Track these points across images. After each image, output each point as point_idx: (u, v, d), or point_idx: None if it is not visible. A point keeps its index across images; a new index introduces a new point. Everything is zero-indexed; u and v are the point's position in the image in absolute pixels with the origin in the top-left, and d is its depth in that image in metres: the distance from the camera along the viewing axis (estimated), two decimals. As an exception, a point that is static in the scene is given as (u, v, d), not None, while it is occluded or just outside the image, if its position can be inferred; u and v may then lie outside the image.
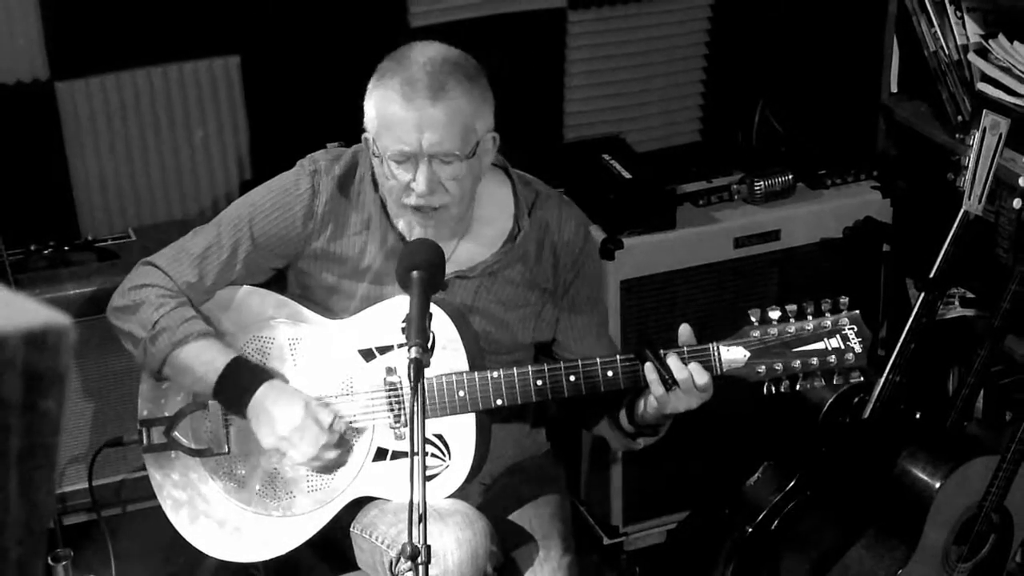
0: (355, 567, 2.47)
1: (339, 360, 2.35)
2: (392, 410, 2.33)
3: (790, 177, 3.24)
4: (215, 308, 2.41)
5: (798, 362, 2.24)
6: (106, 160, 3.08)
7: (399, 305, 2.26)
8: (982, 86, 3.18)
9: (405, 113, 2.21)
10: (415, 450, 1.87)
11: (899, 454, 2.80)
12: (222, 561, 2.45)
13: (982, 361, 2.77)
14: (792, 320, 2.25)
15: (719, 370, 2.24)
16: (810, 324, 2.25)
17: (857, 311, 2.26)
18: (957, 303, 3.11)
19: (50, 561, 2.70)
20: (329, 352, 2.36)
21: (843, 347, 2.24)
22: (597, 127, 3.48)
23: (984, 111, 2.80)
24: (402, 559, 1.84)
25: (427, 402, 2.17)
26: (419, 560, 1.83)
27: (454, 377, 2.27)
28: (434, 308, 2.15)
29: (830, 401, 2.93)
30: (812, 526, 2.96)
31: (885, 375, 2.83)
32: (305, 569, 2.53)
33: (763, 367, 2.24)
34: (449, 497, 2.31)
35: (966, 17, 3.24)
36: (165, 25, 3.03)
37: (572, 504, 2.73)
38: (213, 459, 2.43)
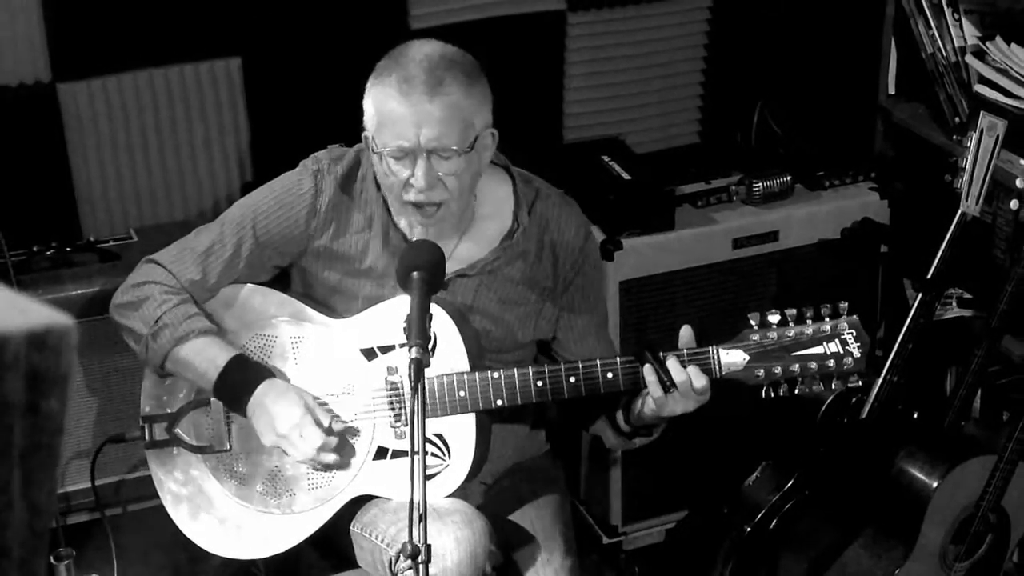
0: (355, 565, 2.47)
1: (341, 359, 2.36)
2: (393, 409, 2.34)
3: (788, 178, 3.24)
4: (218, 306, 2.42)
5: (797, 366, 2.24)
6: (108, 161, 3.09)
7: (401, 305, 2.27)
8: (979, 88, 3.18)
9: (402, 109, 2.22)
10: (415, 449, 1.88)
11: (897, 454, 2.80)
12: (223, 558, 2.46)
13: (979, 361, 2.77)
14: (791, 324, 2.25)
15: (718, 373, 2.24)
16: (809, 328, 2.25)
17: (856, 316, 2.26)
18: (954, 304, 3.11)
19: (52, 560, 2.69)
20: (331, 351, 2.37)
21: (842, 352, 2.25)
22: (596, 128, 3.49)
23: (981, 113, 2.80)
24: (402, 558, 1.84)
25: (427, 402, 2.18)
26: (419, 559, 1.84)
27: (455, 377, 2.28)
28: (435, 308, 2.16)
29: (828, 401, 2.93)
30: (810, 525, 2.95)
31: (883, 375, 2.83)
32: (305, 567, 2.54)
33: (762, 371, 2.24)
34: (449, 496, 2.32)
35: (963, 19, 3.24)
36: (167, 27, 3.03)
37: (572, 504, 2.74)
38: (215, 456, 2.43)
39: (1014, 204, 2.89)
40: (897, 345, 2.83)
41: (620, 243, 3.07)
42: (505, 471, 2.56)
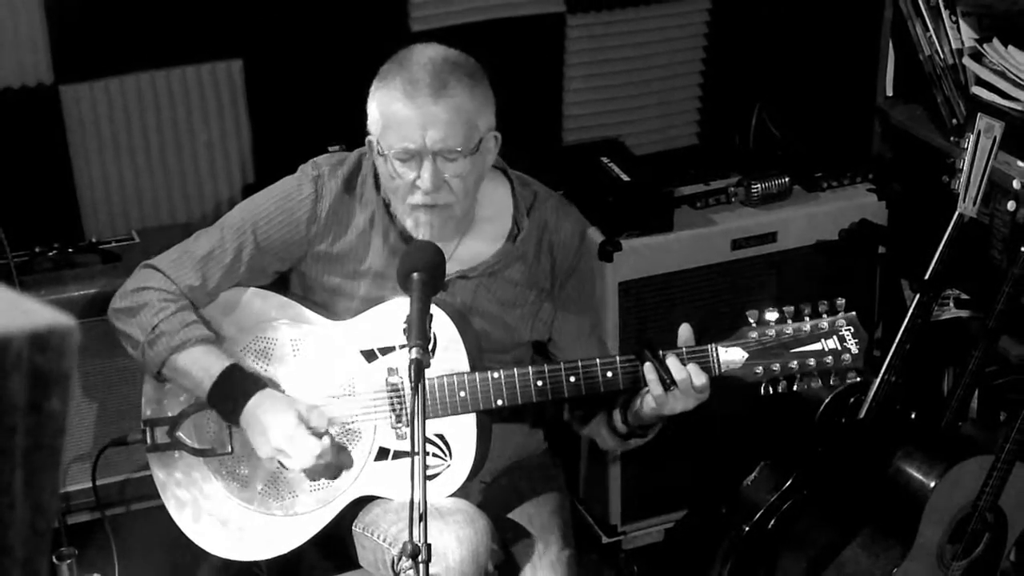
0: (357, 566, 2.48)
1: (341, 361, 2.37)
2: (394, 410, 2.35)
3: (787, 180, 3.25)
4: (218, 309, 2.42)
5: (795, 363, 2.26)
6: (110, 163, 3.09)
7: (401, 306, 2.28)
8: (977, 90, 3.19)
9: (408, 111, 2.23)
10: (416, 450, 1.88)
11: (895, 454, 2.80)
12: (226, 560, 2.46)
13: (976, 362, 2.78)
14: (789, 321, 2.26)
15: (717, 371, 2.25)
16: (807, 325, 2.26)
17: (853, 313, 2.27)
18: (952, 304, 3.12)
19: (54, 560, 2.69)
20: (331, 353, 2.38)
21: (840, 348, 2.26)
22: (596, 130, 3.49)
23: (979, 114, 2.81)
24: (403, 557, 1.85)
25: (428, 402, 2.19)
26: (420, 558, 1.84)
27: (455, 377, 2.29)
28: (435, 309, 2.17)
29: (827, 401, 2.94)
30: (808, 525, 2.95)
31: (881, 375, 2.83)
32: (308, 567, 2.54)
33: (761, 368, 2.26)
34: (450, 496, 2.33)
35: (961, 22, 3.25)
36: (168, 29, 3.03)
37: (571, 503, 2.74)
38: (216, 459, 2.44)
39: (1011, 205, 2.90)
40: (895, 345, 2.83)
41: (619, 244, 3.08)
42: (504, 469, 2.57)
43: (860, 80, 3.54)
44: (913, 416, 2.94)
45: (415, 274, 2.14)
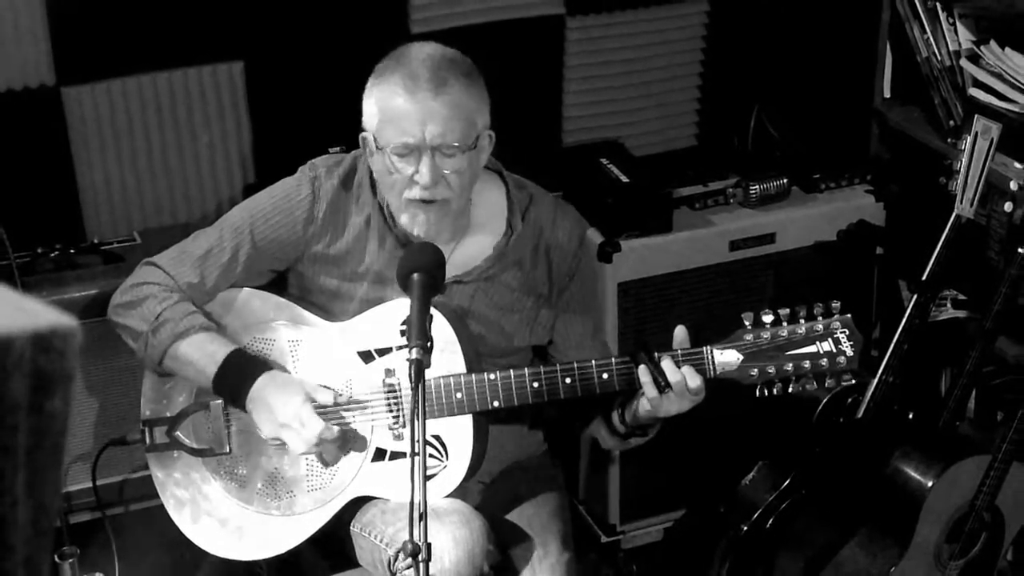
0: (355, 565, 2.48)
1: (339, 362, 2.37)
2: (391, 411, 2.35)
3: (785, 181, 3.26)
4: (216, 309, 2.43)
5: (790, 365, 2.25)
6: (112, 164, 3.10)
7: (398, 308, 2.29)
8: (974, 91, 3.19)
9: (408, 106, 2.24)
10: (414, 450, 1.89)
11: (892, 454, 2.80)
12: (224, 559, 2.47)
13: (974, 362, 2.78)
14: (785, 323, 2.26)
15: (712, 373, 2.25)
16: (802, 327, 2.26)
17: (848, 315, 2.27)
18: (949, 305, 3.12)
19: (56, 559, 2.70)
20: (329, 354, 2.38)
21: (835, 350, 2.26)
22: (595, 132, 3.50)
23: (976, 116, 2.80)
24: (400, 557, 1.86)
25: (426, 403, 2.20)
26: (418, 558, 1.85)
27: (452, 379, 2.29)
28: (433, 310, 2.17)
29: (825, 401, 2.94)
30: (806, 525, 2.95)
31: (878, 376, 2.84)
32: (306, 567, 2.55)
33: (756, 370, 2.26)
34: (447, 497, 2.34)
35: (958, 23, 3.25)
36: (170, 31, 3.04)
37: (570, 503, 2.75)
38: (215, 459, 2.44)
39: (1008, 206, 2.91)
40: (892, 346, 2.83)
41: (618, 245, 3.09)
42: (503, 470, 2.57)
43: (858, 82, 3.55)
44: (911, 416, 2.94)
45: (415, 275, 2.15)
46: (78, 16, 2.95)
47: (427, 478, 2.14)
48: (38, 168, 3.04)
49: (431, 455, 2.31)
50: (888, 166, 3.50)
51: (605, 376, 2.28)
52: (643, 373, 2.22)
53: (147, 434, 2.46)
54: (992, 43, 3.19)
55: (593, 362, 2.29)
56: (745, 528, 2.97)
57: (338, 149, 2.62)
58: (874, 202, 3.29)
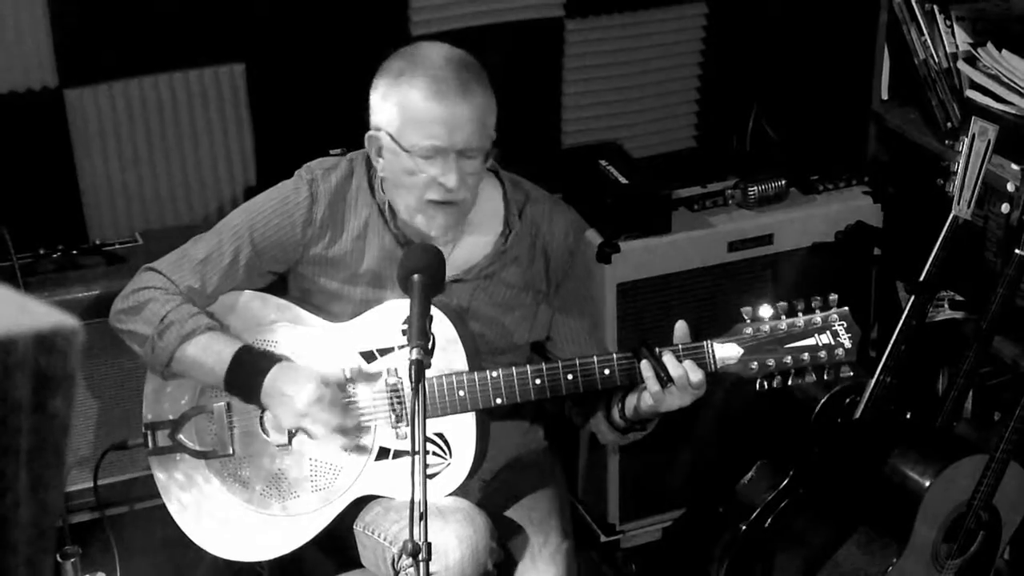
0: (359, 564, 2.49)
1: (340, 362, 2.37)
2: (393, 410, 2.36)
3: (783, 182, 3.26)
4: (218, 312, 2.44)
5: (790, 358, 2.27)
6: (114, 166, 3.09)
7: (399, 307, 2.30)
8: (971, 93, 3.20)
9: (438, 110, 2.25)
10: (416, 449, 1.90)
11: (890, 453, 2.81)
12: (227, 560, 2.48)
13: (971, 362, 2.79)
14: (783, 317, 2.27)
15: (713, 367, 2.27)
16: (800, 321, 2.27)
17: (846, 308, 2.28)
18: (946, 306, 3.12)
19: (59, 558, 2.70)
20: (330, 354, 2.38)
21: (833, 343, 2.27)
22: (594, 133, 3.50)
23: (973, 118, 2.81)
24: (404, 556, 1.86)
25: (428, 402, 2.20)
26: (420, 557, 1.86)
27: (454, 377, 2.30)
28: (433, 310, 2.18)
29: (823, 401, 2.94)
30: (805, 524, 2.96)
31: (876, 376, 2.84)
32: (310, 566, 2.55)
33: (756, 363, 2.27)
34: (450, 495, 2.35)
35: (955, 26, 3.25)
36: (172, 33, 3.04)
37: (570, 502, 2.76)
38: (218, 461, 2.45)
39: (1005, 208, 2.92)
40: (890, 346, 2.83)
41: (617, 246, 3.09)
42: (503, 466, 2.58)
43: (856, 84, 3.55)
44: (908, 416, 2.95)
45: (415, 276, 2.16)
46: (80, 18, 2.95)
47: (431, 476, 2.17)
48: (40, 169, 3.04)
49: (435, 453, 2.32)
50: (886, 168, 3.49)
51: (607, 372, 2.29)
52: (645, 368, 2.24)
53: (149, 437, 2.47)
54: (989, 45, 3.20)
55: (595, 358, 2.30)
56: (744, 527, 2.98)
57: (338, 151, 2.62)
58: (872, 203, 3.29)
